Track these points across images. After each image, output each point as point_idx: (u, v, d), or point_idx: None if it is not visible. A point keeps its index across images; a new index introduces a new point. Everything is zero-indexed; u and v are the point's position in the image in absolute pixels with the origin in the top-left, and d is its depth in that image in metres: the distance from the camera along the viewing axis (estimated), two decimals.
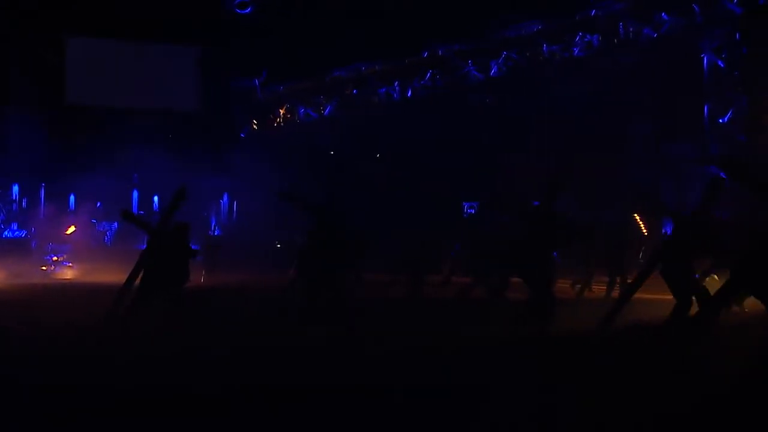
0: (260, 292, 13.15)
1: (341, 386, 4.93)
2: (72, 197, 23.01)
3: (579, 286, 12.44)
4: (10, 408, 4.36)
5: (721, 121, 17.11)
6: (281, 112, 24.63)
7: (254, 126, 25.02)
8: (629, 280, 11.70)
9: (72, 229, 22.19)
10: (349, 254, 7.70)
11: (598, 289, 12.41)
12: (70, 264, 20.18)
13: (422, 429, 4.00)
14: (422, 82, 21.77)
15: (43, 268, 19.44)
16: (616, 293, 11.73)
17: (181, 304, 6.51)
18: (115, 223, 23.15)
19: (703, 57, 17.35)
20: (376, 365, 5.76)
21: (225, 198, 23.84)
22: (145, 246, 12.94)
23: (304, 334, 7.38)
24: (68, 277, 18.97)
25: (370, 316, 9.00)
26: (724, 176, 7.98)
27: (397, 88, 22.28)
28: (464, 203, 20.97)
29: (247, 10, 22.33)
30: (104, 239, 23.16)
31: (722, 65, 17.10)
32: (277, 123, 24.80)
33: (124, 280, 8.14)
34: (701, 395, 4.69)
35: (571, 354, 6.47)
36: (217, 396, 4.63)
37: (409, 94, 22.19)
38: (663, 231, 17.61)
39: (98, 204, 23.00)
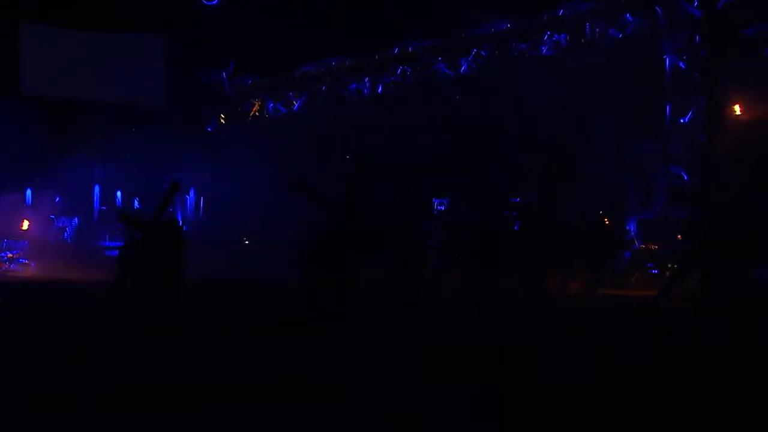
0: (247, 289, 12.92)
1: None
2: (29, 191, 22.12)
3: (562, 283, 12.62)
4: None
5: (682, 121, 17.71)
6: (250, 106, 24.22)
7: (222, 120, 24.55)
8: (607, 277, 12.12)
9: (26, 224, 21.46)
10: (366, 249, 7.50)
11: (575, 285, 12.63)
12: (27, 261, 19.58)
13: None
14: (392, 78, 21.79)
15: None
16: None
17: (175, 302, 6.38)
18: (75, 219, 22.39)
19: (666, 58, 17.92)
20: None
21: (192, 193, 23.36)
22: (121, 243, 12.51)
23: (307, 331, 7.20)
24: (26, 275, 18.36)
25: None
26: None
27: (367, 83, 22.22)
28: (434, 200, 21.10)
29: (214, 2, 21.87)
30: (63, 236, 22.35)
31: (683, 67, 17.71)
32: (246, 117, 24.37)
33: (88, 278, 7.81)
34: None
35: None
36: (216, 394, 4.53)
37: (379, 90, 22.16)
38: (627, 228, 18.21)
39: (57, 199, 22.20)
